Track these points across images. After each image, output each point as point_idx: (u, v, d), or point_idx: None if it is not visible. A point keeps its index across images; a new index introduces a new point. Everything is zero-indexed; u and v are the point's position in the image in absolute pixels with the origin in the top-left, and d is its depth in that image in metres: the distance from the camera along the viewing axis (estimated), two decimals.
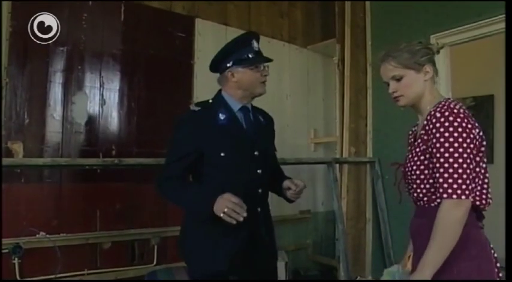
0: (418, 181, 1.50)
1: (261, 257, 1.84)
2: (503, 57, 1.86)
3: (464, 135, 1.35)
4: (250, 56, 1.79)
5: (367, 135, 3.66)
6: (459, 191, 1.33)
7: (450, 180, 1.34)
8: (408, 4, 3.33)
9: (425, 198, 1.49)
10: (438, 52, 1.61)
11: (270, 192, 1.95)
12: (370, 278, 3.50)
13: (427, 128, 1.44)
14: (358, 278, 3.44)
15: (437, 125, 1.38)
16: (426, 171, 1.46)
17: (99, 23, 2.81)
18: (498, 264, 1.46)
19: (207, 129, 1.75)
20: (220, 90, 1.88)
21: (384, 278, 1.69)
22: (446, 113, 1.38)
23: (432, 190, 1.46)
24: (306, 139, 3.97)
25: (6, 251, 2.38)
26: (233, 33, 3.42)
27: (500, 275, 1.47)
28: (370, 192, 3.59)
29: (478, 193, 1.43)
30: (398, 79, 1.53)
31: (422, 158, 1.47)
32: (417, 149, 1.50)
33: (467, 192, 1.33)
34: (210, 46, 3.29)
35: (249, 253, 1.76)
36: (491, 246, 1.47)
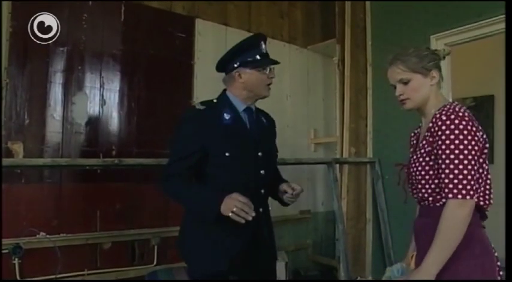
0: (423, 181, 1.53)
1: (262, 258, 1.84)
2: (503, 58, 1.86)
3: (469, 137, 1.39)
4: (258, 57, 1.80)
5: (367, 135, 3.66)
6: (464, 191, 1.37)
7: (455, 181, 1.38)
8: (408, 4, 3.33)
9: (430, 198, 1.52)
10: (444, 58, 1.65)
11: None
12: (370, 278, 3.50)
13: (432, 130, 1.48)
14: (358, 278, 3.44)
15: (443, 127, 1.42)
16: (431, 172, 1.50)
17: (99, 23, 2.81)
18: (499, 263, 1.48)
19: (212, 129, 1.75)
20: (224, 90, 1.89)
21: (386, 274, 1.70)
22: (452, 116, 1.42)
23: (437, 190, 1.49)
24: (306, 139, 3.97)
25: (7, 251, 2.38)
26: (233, 33, 3.44)
27: (501, 273, 1.49)
28: (370, 193, 3.59)
29: (481, 193, 1.47)
30: (406, 82, 1.56)
31: (427, 159, 1.51)
32: (422, 151, 1.54)
33: (471, 192, 1.37)
34: (210, 46, 3.30)
35: (250, 253, 1.77)
36: (492, 245, 1.49)
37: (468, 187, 1.37)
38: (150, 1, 3.04)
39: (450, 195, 1.38)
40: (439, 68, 1.60)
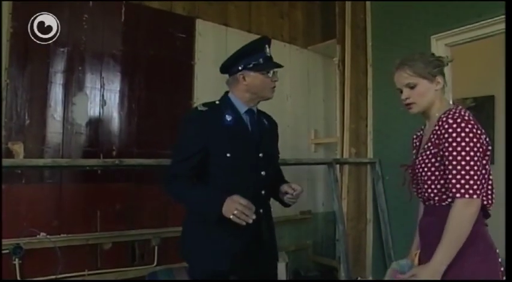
0: (429, 182, 1.59)
1: (262, 258, 1.85)
2: (504, 58, 1.86)
3: (475, 140, 1.47)
4: (262, 61, 1.82)
5: (368, 135, 3.65)
6: (471, 191, 1.43)
7: (462, 181, 1.44)
8: (408, 4, 3.33)
9: (436, 198, 1.58)
10: (447, 64, 1.71)
11: None
12: (370, 278, 3.50)
13: (438, 132, 1.55)
14: (359, 279, 3.44)
15: (450, 130, 1.49)
16: (437, 173, 1.56)
17: (99, 24, 2.81)
18: (500, 260, 1.54)
19: (213, 130, 1.76)
20: (227, 92, 1.91)
21: (393, 267, 1.73)
22: (459, 120, 1.49)
23: (443, 190, 1.55)
24: (306, 140, 3.97)
25: (7, 251, 2.39)
26: (233, 34, 3.44)
27: (502, 269, 1.54)
28: (371, 193, 3.59)
29: (484, 193, 1.53)
30: (412, 87, 1.63)
31: (433, 160, 1.57)
32: (428, 152, 1.60)
33: (478, 192, 1.44)
34: (210, 47, 3.30)
35: (250, 254, 1.77)
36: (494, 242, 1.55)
37: (475, 187, 1.44)
38: (150, 1, 3.04)
39: (458, 195, 1.45)
40: (443, 74, 1.67)
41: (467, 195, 1.43)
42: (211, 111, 1.80)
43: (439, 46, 3.07)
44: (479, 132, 1.50)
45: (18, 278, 2.42)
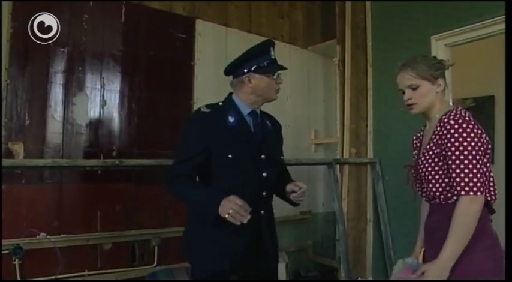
0: (433, 181, 1.64)
1: (263, 259, 1.85)
2: (504, 58, 1.87)
3: (476, 139, 1.52)
4: (267, 63, 1.85)
5: (368, 136, 3.65)
6: (475, 188, 1.49)
7: (466, 179, 1.50)
8: (408, 5, 3.32)
9: (441, 196, 1.63)
10: (448, 68, 1.78)
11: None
12: (370, 278, 3.50)
13: (440, 133, 1.60)
14: (359, 279, 3.44)
15: (452, 131, 1.54)
16: (440, 172, 1.61)
17: (99, 24, 2.81)
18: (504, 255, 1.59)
19: (216, 131, 1.78)
20: (231, 94, 1.92)
21: (398, 267, 1.76)
22: (460, 121, 1.55)
23: (447, 188, 1.60)
24: (306, 140, 3.98)
25: (7, 252, 2.39)
26: (233, 34, 3.44)
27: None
28: (371, 193, 3.59)
29: (487, 190, 1.58)
30: (415, 88, 1.68)
31: (436, 160, 1.62)
32: (430, 152, 1.65)
33: (481, 189, 1.50)
34: (210, 47, 3.30)
35: (251, 254, 1.79)
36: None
37: (478, 184, 1.49)
38: (150, 2, 3.04)
39: (463, 193, 1.50)
40: (444, 77, 1.73)
41: (471, 193, 1.48)
42: (214, 113, 1.82)
43: (439, 46, 3.07)
44: (479, 131, 1.55)
45: (18, 278, 2.42)
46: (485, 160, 1.56)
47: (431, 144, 1.65)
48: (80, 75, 2.74)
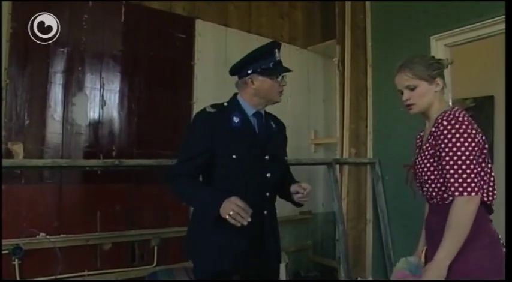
0: (429, 181, 1.66)
1: (265, 259, 1.86)
2: (504, 58, 1.87)
3: (469, 140, 1.52)
4: (271, 65, 1.84)
5: (368, 136, 3.65)
6: (469, 189, 1.50)
7: (460, 180, 1.51)
8: (408, 5, 3.32)
9: (438, 197, 1.64)
10: (447, 67, 1.76)
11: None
12: (370, 278, 3.50)
13: (435, 134, 1.60)
14: (359, 279, 3.44)
15: (445, 132, 1.55)
16: (436, 172, 1.62)
17: (99, 24, 2.81)
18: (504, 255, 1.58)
19: (220, 131, 1.78)
20: (235, 94, 1.92)
21: (400, 265, 1.78)
22: (453, 121, 1.54)
23: (443, 189, 1.61)
24: (306, 140, 3.97)
25: (7, 252, 2.39)
26: (233, 34, 3.44)
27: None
28: (371, 193, 3.59)
29: (485, 190, 1.59)
30: (412, 88, 1.69)
31: (431, 160, 1.63)
32: (426, 153, 1.66)
33: (476, 189, 1.50)
34: (210, 47, 3.30)
35: (253, 254, 1.79)
36: (499, 236, 1.62)
37: (472, 184, 1.49)
38: (150, 2, 3.04)
39: (456, 193, 1.51)
40: (442, 76, 1.72)
41: (465, 193, 1.49)
42: (218, 113, 1.82)
43: (438, 46, 3.07)
44: (473, 131, 1.54)
45: (18, 279, 2.42)
46: (480, 160, 1.57)
47: (427, 145, 1.66)
48: (80, 75, 2.74)
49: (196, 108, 3.03)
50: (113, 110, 2.87)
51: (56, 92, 2.65)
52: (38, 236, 2.50)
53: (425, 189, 1.71)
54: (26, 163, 2.39)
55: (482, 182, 1.58)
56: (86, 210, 2.70)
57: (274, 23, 3.80)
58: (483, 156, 1.59)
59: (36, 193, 2.54)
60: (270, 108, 2.04)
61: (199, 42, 3.26)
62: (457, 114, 1.58)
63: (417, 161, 1.72)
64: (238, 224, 1.59)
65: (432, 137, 1.62)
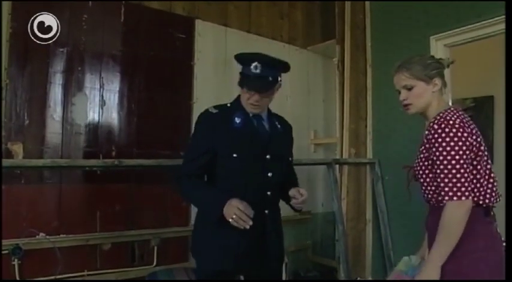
0: (425, 183, 1.68)
1: (267, 258, 1.86)
2: (503, 58, 1.87)
3: (460, 143, 1.51)
4: (244, 74, 1.80)
5: (367, 136, 3.65)
6: (459, 193, 1.49)
7: (450, 185, 1.50)
8: (408, 5, 3.33)
9: (433, 199, 1.66)
10: (448, 66, 1.76)
11: None
12: (370, 278, 3.50)
13: (428, 137, 1.60)
14: (358, 279, 3.44)
15: (436, 136, 1.54)
16: (431, 175, 1.63)
17: (99, 24, 2.81)
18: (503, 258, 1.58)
19: (221, 131, 1.79)
20: (239, 95, 1.92)
21: (398, 265, 1.81)
22: (443, 125, 1.54)
23: (437, 191, 1.61)
24: (306, 140, 3.97)
25: (6, 252, 2.38)
26: (233, 34, 3.44)
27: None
28: (370, 193, 3.59)
29: (482, 192, 1.58)
30: (410, 89, 1.68)
31: (426, 163, 1.65)
32: (421, 155, 1.68)
33: (467, 193, 1.49)
34: (210, 47, 3.30)
35: (256, 254, 1.80)
36: (503, 239, 1.63)
37: (463, 189, 1.49)
38: (150, 1, 3.04)
39: (446, 198, 1.51)
40: (442, 76, 1.71)
41: (455, 198, 1.49)
42: (221, 113, 1.84)
43: (438, 46, 3.07)
44: (465, 135, 1.52)
45: (18, 279, 2.42)
46: (475, 163, 1.56)
47: (422, 148, 1.67)
48: (80, 75, 2.74)
49: (196, 108, 3.04)
50: (113, 110, 2.87)
51: (56, 92, 2.65)
52: (37, 236, 2.49)
53: (422, 190, 1.72)
54: (26, 163, 2.39)
55: (478, 185, 1.57)
56: (86, 210, 2.70)
57: (274, 23, 3.80)
58: (478, 158, 1.57)
59: (36, 193, 2.54)
60: (270, 108, 2.04)
61: (199, 42, 3.26)
62: (448, 117, 1.57)
63: (415, 162, 1.73)
64: (242, 227, 1.60)
65: (426, 140, 1.62)
